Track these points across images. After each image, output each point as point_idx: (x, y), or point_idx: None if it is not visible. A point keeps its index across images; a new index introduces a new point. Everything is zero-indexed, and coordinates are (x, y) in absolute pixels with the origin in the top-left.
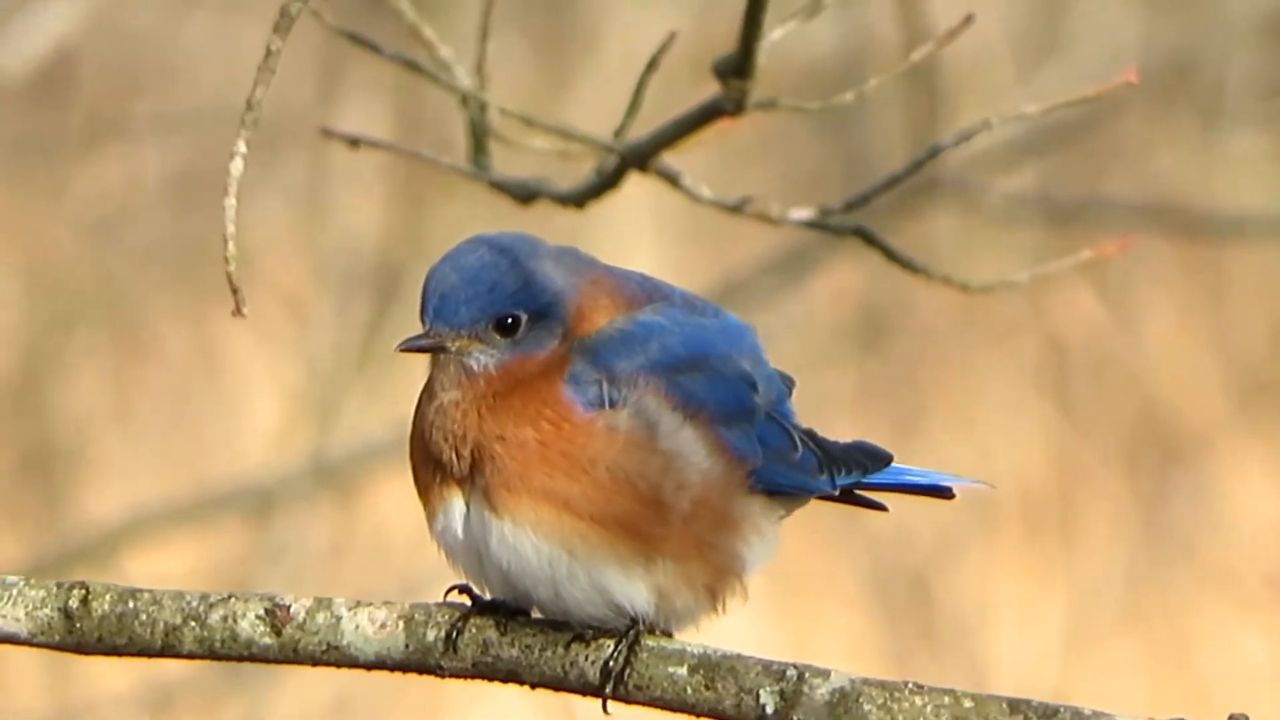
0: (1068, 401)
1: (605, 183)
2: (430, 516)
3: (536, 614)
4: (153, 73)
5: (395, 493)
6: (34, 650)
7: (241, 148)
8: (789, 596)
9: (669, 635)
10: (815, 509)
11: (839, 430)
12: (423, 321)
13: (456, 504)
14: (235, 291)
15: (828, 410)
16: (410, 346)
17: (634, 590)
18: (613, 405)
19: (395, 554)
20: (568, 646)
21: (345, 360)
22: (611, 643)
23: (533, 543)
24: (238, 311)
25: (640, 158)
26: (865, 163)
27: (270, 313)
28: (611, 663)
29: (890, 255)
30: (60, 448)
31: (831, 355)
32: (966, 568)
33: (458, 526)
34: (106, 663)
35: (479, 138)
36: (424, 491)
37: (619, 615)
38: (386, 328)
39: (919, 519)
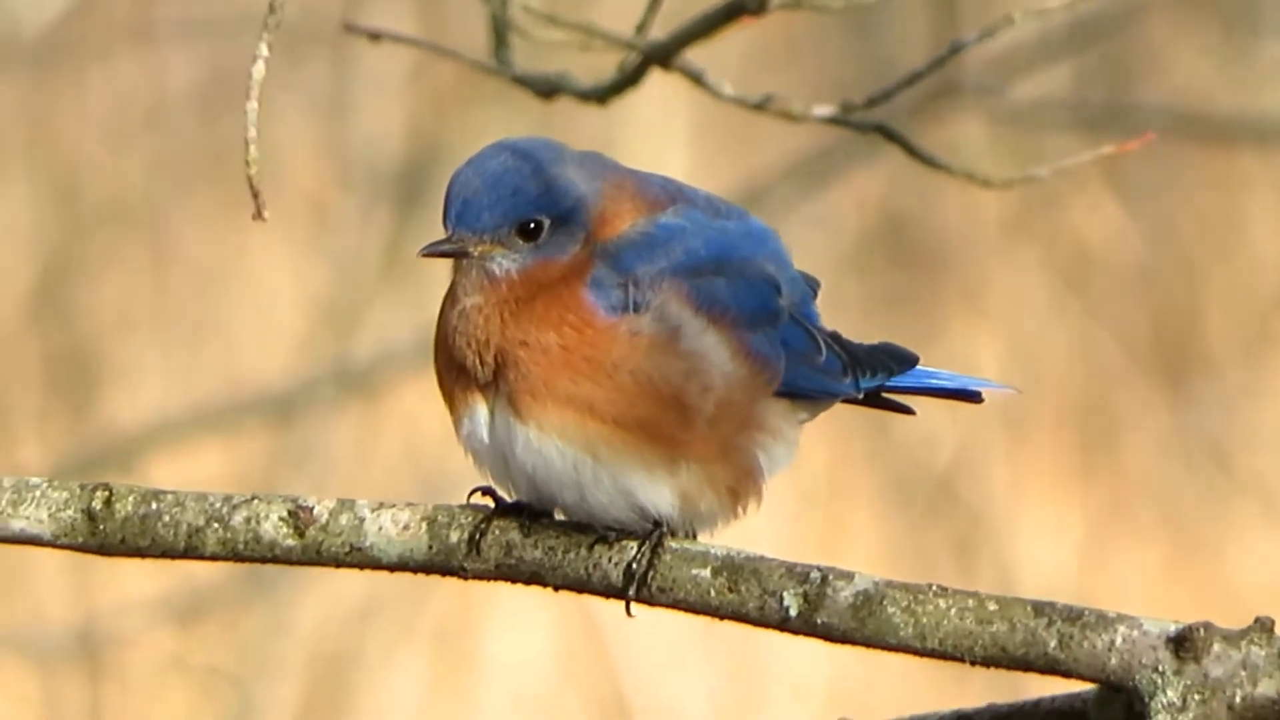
0: (1094, 307)
1: (628, 79)
2: (456, 421)
3: (560, 516)
4: None
5: (420, 397)
6: (57, 553)
7: (264, 51)
8: (813, 503)
9: (692, 538)
10: (840, 412)
11: (864, 335)
12: (445, 226)
13: (481, 409)
14: (256, 195)
15: (852, 315)
16: (433, 251)
17: (657, 493)
18: (635, 309)
19: (420, 458)
20: (591, 549)
21: (370, 264)
22: (635, 545)
23: (557, 447)
24: (258, 215)
25: (663, 54)
26: (889, 65)
27: (295, 217)
28: (635, 565)
29: (911, 151)
30: (84, 353)
31: (856, 260)
32: (993, 473)
33: (483, 431)
34: (129, 567)
35: (501, 32)
36: (449, 397)
37: (642, 518)
38: (410, 232)
39: (945, 423)
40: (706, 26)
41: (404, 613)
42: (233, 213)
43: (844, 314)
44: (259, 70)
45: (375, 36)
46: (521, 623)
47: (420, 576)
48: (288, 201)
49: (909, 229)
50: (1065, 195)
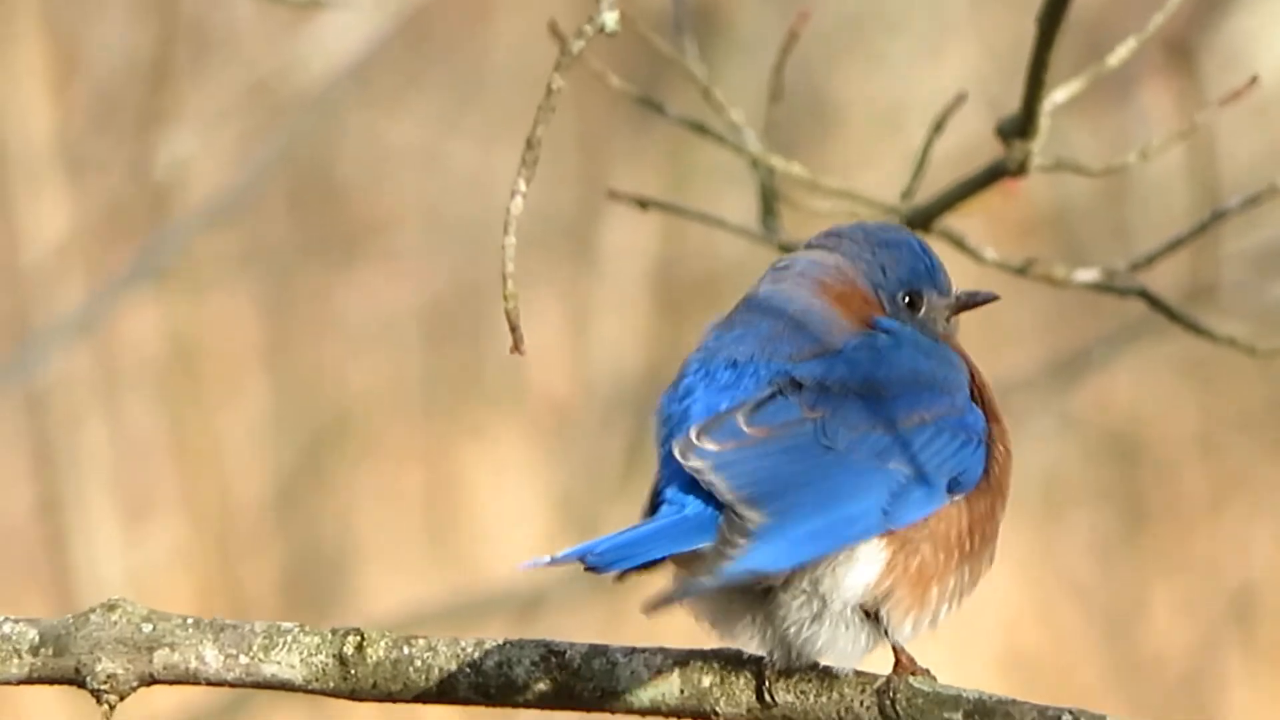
0: None
1: None
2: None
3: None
4: (408, 193)
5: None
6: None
7: (521, 186)
8: None
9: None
10: None
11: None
12: (940, 287)
13: None
14: (514, 330)
15: (1082, 519)
16: (988, 298)
17: None
18: None
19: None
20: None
21: (611, 467)
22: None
23: None
24: (516, 349)
25: (925, 218)
26: (1143, 237)
27: (539, 423)
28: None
29: (1174, 316)
30: (326, 560)
31: (1090, 460)
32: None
33: None
34: None
35: (768, 200)
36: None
37: None
38: (649, 438)
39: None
40: (968, 189)
41: None
42: (473, 423)
43: (1081, 514)
44: (517, 205)
45: (643, 204)
46: None
47: None
48: (532, 409)
49: (1148, 430)
50: None
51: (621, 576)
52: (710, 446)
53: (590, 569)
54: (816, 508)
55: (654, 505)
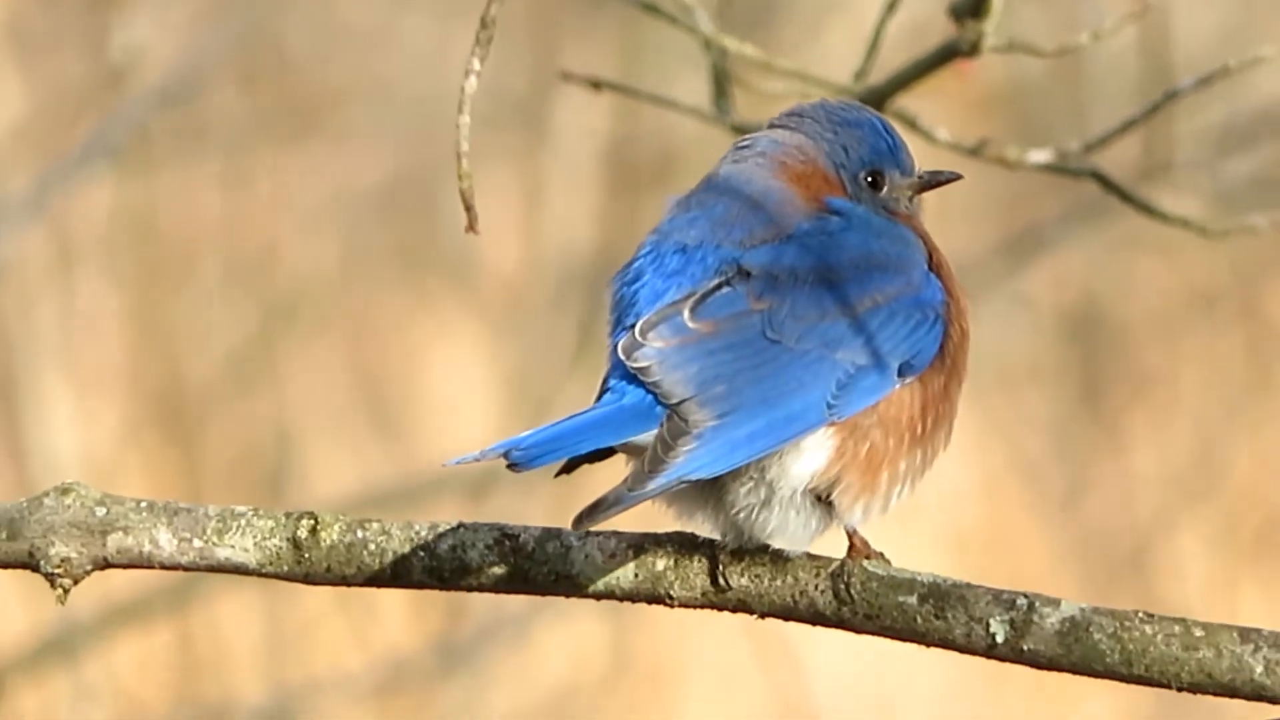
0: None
1: None
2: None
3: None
4: (361, 71)
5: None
6: (250, 631)
7: (475, 65)
8: None
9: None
10: None
11: (1052, 418)
12: (904, 165)
13: None
14: (469, 209)
15: (1041, 396)
16: (952, 178)
17: None
18: None
19: None
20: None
21: (563, 348)
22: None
23: None
24: (471, 228)
25: (878, 99)
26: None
27: (488, 302)
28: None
29: (1126, 197)
30: (276, 436)
31: (1049, 340)
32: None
33: None
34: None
35: (720, 82)
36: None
37: None
38: (603, 316)
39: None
40: (921, 70)
41: (598, 698)
42: (424, 300)
43: (1034, 394)
44: (471, 84)
45: (596, 85)
46: None
47: (619, 661)
48: (484, 287)
49: (1104, 309)
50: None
51: (566, 471)
52: (655, 343)
53: (513, 466)
54: (759, 407)
55: (602, 392)
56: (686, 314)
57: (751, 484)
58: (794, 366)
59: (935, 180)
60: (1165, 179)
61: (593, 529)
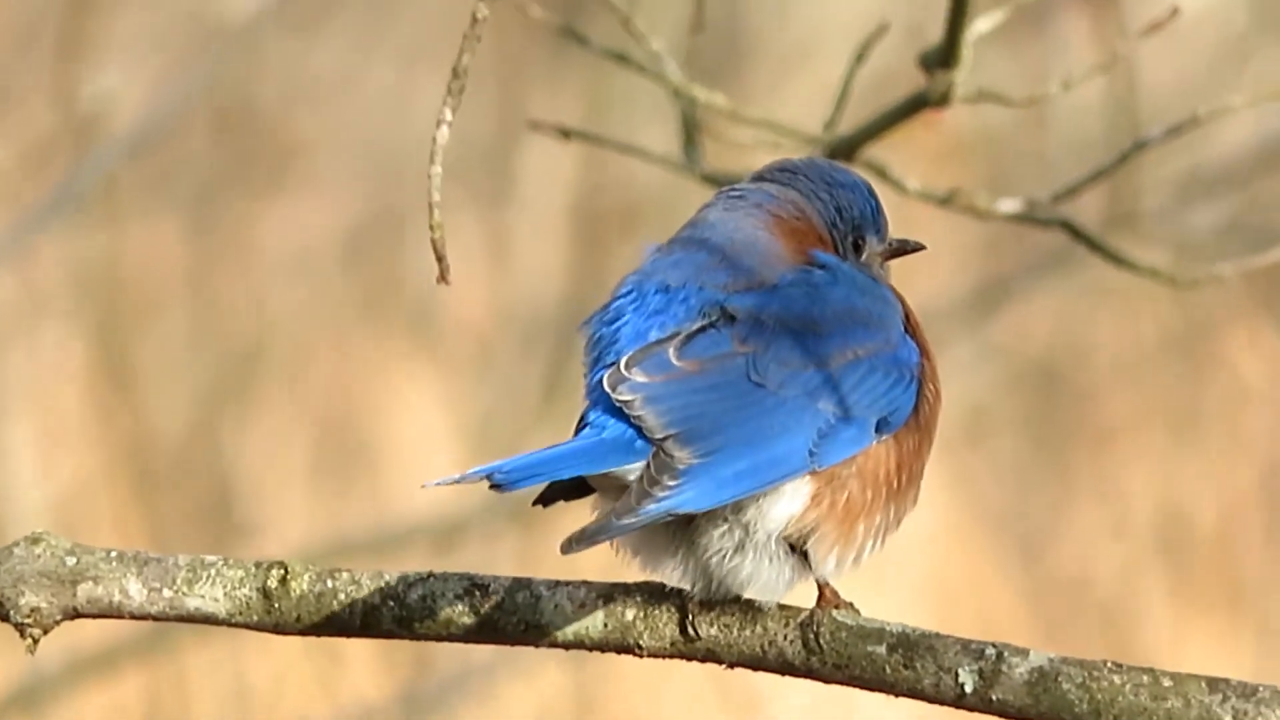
0: (1253, 443)
1: None
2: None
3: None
4: (327, 120)
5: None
6: (219, 677)
7: (448, 116)
8: None
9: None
10: None
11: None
12: (882, 233)
13: None
14: (440, 259)
15: (1004, 442)
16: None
17: None
18: None
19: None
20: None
21: (530, 396)
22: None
23: None
24: (442, 278)
25: (848, 149)
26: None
27: (457, 351)
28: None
29: (1095, 247)
30: (243, 488)
31: (1014, 388)
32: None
33: None
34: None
35: (690, 130)
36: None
37: None
38: (571, 365)
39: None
40: (890, 120)
41: None
42: (390, 349)
43: (1000, 443)
44: (443, 135)
45: (565, 134)
46: None
47: (585, 711)
48: (451, 337)
49: (1069, 359)
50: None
51: (543, 503)
52: (639, 379)
53: (495, 486)
54: (744, 448)
55: (580, 428)
56: (672, 352)
57: (726, 526)
58: (778, 411)
59: (903, 249)
60: (1131, 228)
61: (561, 580)
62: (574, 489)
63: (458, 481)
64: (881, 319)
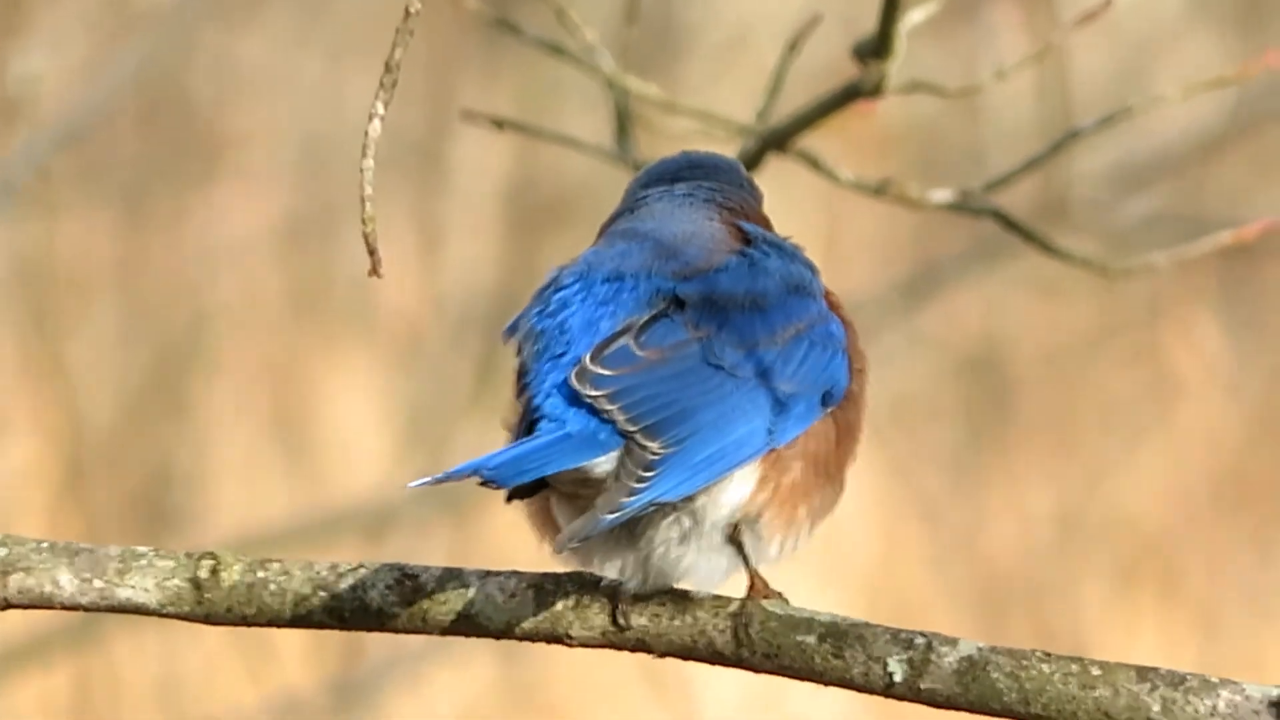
0: (1184, 434)
1: (745, 165)
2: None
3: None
4: (259, 112)
5: (510, 516)
6: (147, 665)
7: (380, 109)
8: None
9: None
10: None
11: (945, 456)
12: None
13: None
14: (373, 253)
15: (936, 433)
16: None
17: None
18: None
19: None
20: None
21: (461, 386)
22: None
23: None
24: (374, 272)
25: (781, 139)
26: (996, 157)
27: (388, 342)
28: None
29: (1028, 236)
30: (176, 478)
31: (944, 381)
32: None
33: None
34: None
35: (623, 121)
36: None
37: None
38: (503, 354)
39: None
40: (823, 110)
41: None
42: (323, 340)
43: (932, 432)
44: (375, 129)
45: (498, 124)
46: None
47: (517, 700)
48: (384, 327)
49: (1001, 348)
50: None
51: (514, 496)
52: (606, 372)
53: (486, 484)
54: (711, 432)
55: (530, 422)
56: (633, 343)
57: (675, 515)
58: (737, 393)
59: None
60: (1063, 218)
61: (492, 571)
62: (531, 485)
63: (440, 481)
64: (812, 286)
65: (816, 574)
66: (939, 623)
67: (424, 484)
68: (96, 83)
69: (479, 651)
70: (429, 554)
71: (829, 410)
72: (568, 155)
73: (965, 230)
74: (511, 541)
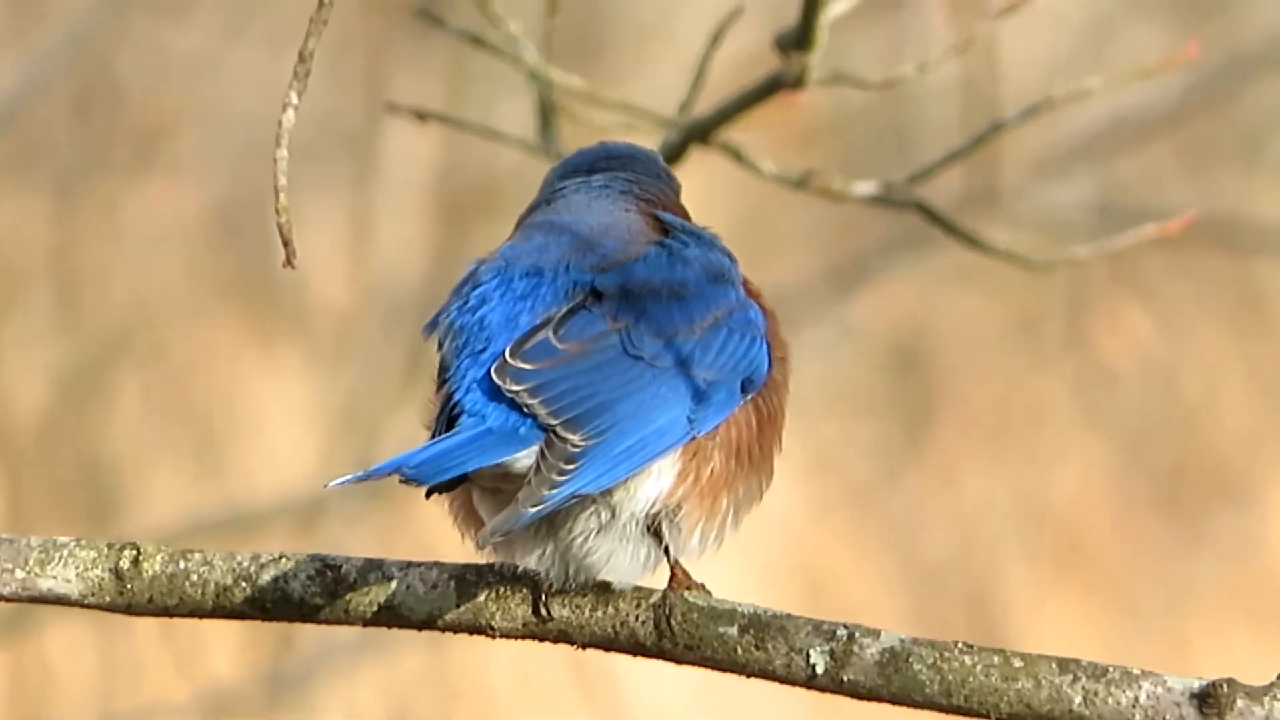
0: (1113, 425)
1: (668, 157)
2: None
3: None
4: (193, 99)
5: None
6: (82, 657)
7: (293, 99)
8: None
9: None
10: None
11: (877, 448)
12: None
13: None
14: (287, 244)
15: (865, 427)
16: None
17: None
18: None
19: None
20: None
21: (391, 377)
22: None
23: None
24: (288, 263)
25: (703, 131)
26: (923, 147)
27: (317, 332)
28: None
29: (950, 229)
30: (105, 467)
31: (873, 372)
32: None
33: None
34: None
35: (546, 113)
36: None
37: None
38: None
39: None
40: (746, 102)
41: None
42: (254, 330)
43: (862, 424)
44: (288, 119)
45: (421, 117)
46: None
47: (447, 692)
48: (313, 318)
49: (931, 340)
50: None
51: (434, 491)
52: (526, 366)
53: (407, 481)
54: (630, 423)
55: (450, 417)
56: (552, 336)
57: (594, 508)
58: (657, 383)
59: None
60: (992, 210)
61: (414, 561)
62: (452, 481)
63: (362, 479)
64: (731, 275)
65: (745, 565)
66: (869, 614)
67: (345, 482)
68: (25, 68)
69: (408, 643)
70: (358, 544)
71: (750, 397)
72: (496, 144)
73: (894, 221)
74: (441, 531)
